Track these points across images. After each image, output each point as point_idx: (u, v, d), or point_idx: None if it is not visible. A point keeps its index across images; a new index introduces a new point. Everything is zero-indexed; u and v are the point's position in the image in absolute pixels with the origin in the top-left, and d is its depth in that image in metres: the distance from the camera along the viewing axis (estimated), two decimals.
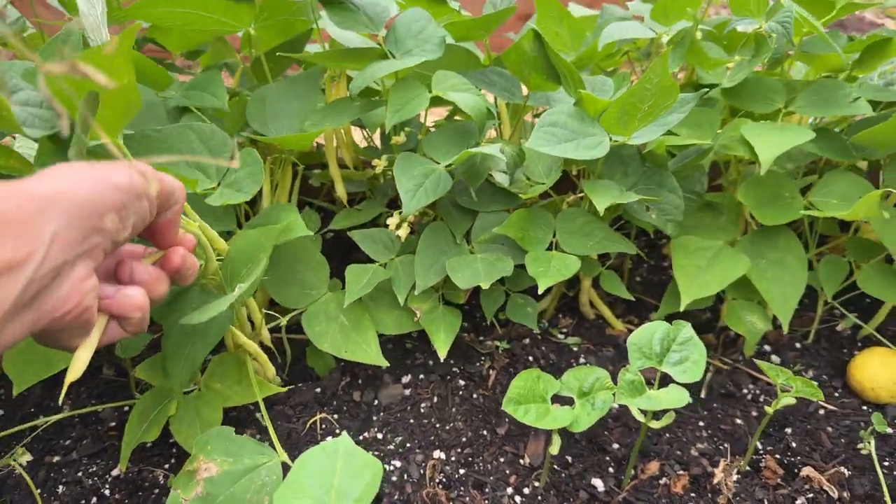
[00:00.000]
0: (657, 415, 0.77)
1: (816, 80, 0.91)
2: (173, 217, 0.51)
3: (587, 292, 0.97)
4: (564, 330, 1.00)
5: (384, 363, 0.81)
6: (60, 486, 0.78)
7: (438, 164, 0.81)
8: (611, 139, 0.76)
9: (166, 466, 0.80)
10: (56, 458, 0.81)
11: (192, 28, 0.89)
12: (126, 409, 0.88)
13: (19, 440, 0.83)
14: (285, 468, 0.61)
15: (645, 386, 0.68)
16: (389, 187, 0.98)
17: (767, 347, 0.96)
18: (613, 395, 0.69)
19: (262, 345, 0.84)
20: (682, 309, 0.81)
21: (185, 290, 0.71)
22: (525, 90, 0.91)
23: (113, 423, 0.86)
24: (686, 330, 0.70)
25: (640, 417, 0.71)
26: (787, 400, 0.73)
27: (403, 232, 0.86)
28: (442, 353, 0.81)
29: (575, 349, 0.96)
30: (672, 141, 0.84)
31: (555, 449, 0.71)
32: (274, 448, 0.67)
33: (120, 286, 0.50)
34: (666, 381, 0.68)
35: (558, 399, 0.72)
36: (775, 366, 0.73)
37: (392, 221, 0.87)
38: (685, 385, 0.67)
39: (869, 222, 0.89)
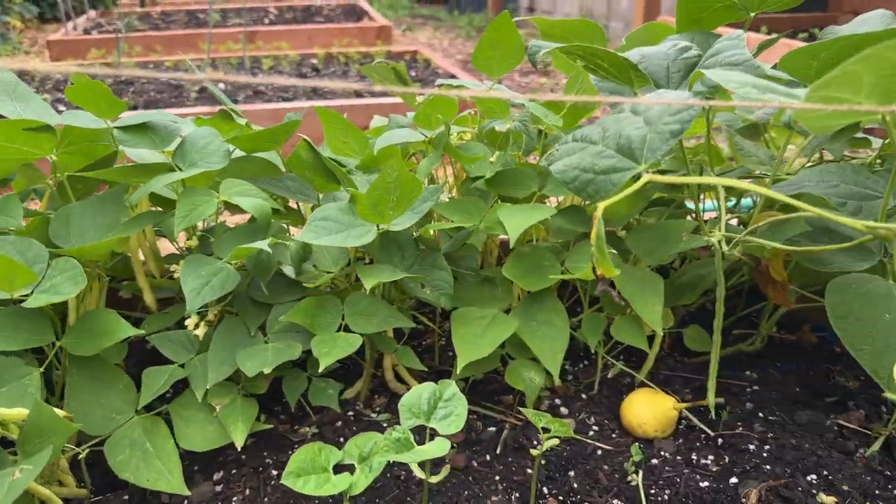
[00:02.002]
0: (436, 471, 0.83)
1: None
2: None
3: (390, 369, 1.05)
4: (378, 409, 1.06)
5: (186, 492, 0.84)
6: None
7: (224, 262, 0.88)
8: (378, 228, 0.86)
9: None
10: None
11: None
12: None
13: None
14: None
15: (413, 442, 0.75)
16: None
17: (558, 401, 1.07)
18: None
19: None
20: (458, 372, 0.90)
21: None
22: None
23: None
24: (451, 388, 0.79)
25: (419, 473, 0.78)
26: (552, 441, 0.83)
27: (201, 331, 0.91)
28: (238, 443, 0.85)
29: (385, 425, 1.02)
30: (445, 225, 0.96)
31: None
32: None
33: None
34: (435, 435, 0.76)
35: (344, 468, 0.77)
36: (537, 412, 0.83)
37: (190, 322, 0.91)
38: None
39: None
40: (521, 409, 0.86)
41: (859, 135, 1.08)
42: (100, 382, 0.89)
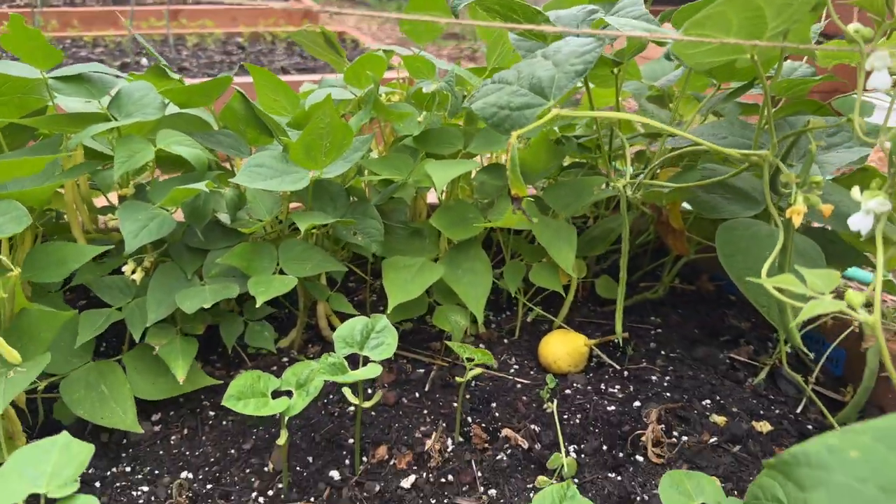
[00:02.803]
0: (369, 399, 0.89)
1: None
2: None
3: (324, 317, 1.10)
4: (312, 356, 1.11)
5: (140, 430, 0.88)
6: None
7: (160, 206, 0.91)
8: (312, 175, 0.91)
9: None
10: None
11: None
12: None
13: None
14: None
15: (347, 367, 0.81)
16: None
17: (482, 346, 1.14)
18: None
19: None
20: (389, 311, 0.96)
21: None
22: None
23: None
24: (382, 320, 0.85)
25: (352, 398, 0.84)
26: (475, 371, 0.90)
27: (138, 276, 0.93)
28: (180, 377, 0.88)
29: None
30: (374, 178, 1.01)
31: (282, 440, 0.81)
32: None
33: None
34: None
35: (282, 394, 0.82)
36: (461, 344, 0.90)
37: (127, 268, 0.94)
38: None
39: None
40: (447, 342, 0.93)
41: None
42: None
